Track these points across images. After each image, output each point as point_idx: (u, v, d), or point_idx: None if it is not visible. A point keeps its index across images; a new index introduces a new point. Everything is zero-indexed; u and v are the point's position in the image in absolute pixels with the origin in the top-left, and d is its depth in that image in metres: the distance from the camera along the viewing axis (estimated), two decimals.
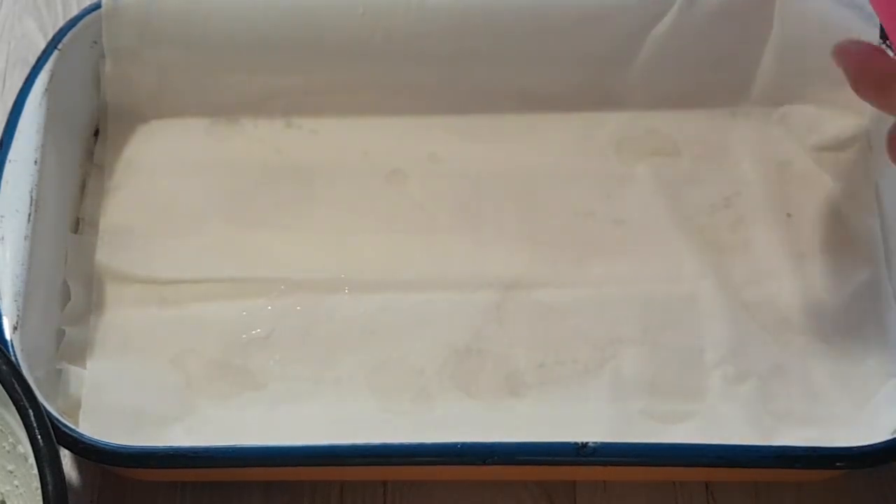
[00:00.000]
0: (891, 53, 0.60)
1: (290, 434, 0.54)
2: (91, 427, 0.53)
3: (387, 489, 0.57)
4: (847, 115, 0.63)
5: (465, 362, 0.58)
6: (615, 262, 0.61)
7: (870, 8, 0.61)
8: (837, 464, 0.52)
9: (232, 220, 0.62)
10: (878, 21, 0.61)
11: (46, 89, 0.59)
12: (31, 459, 0.46)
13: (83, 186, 0.62)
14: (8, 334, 0.53)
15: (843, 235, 0.61)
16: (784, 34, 0.62)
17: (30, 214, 0.56)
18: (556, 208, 0.62)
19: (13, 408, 0.47)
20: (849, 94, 0.63)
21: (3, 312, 0.53)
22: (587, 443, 0.51)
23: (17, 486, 0.50)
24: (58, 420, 0.51)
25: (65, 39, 0.61)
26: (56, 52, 0.60)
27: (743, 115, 0.64)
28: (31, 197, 0.56)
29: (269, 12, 0.62)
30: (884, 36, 0.61)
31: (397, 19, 0.62)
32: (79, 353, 0.57)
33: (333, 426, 0.55)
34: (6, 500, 0.51)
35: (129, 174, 0.63)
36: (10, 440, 0.49)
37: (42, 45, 0.61)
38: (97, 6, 0.61)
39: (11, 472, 0.50)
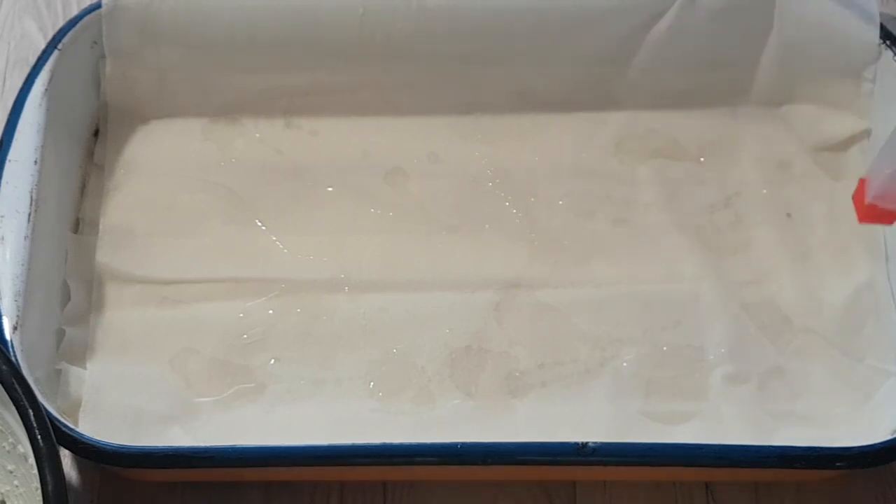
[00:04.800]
0: (890, 54, 0.61)
1: (290, 434, 0.54)
2: (91, 427, 0.53)
3: (387, 489, 0.57)
4: (847, 115, 0.63)
5: (465, 362, 0.58)
6: (615, 262, 0.61)
7: (870, 8, 0.61)
8: (837, 464, 0.52)
9: (232, 220, 0.62)
10: (878, 21, 0.61)
11: (46, 89, 0.59)
12: (31, 459, 0.46)
13: (83, 186, 0.62)
14: (8, 334, 0.53)
15: (843, 235, 0.61)
16: (784, 34, 0.62)
17: (30, 214, 0.56)
18: (556, 208, 0.62)
19: (13, 408, 0.47)
20: (849, 93, 0.63)
21: (3, 312, 0.53)
22: (587, 443, 0.51)
23: (17, 486, 0.50)
24: (58, 420, 0.51)
25: (65, 40, 0.61)
26: (56, 53, 0.60)
27: (743, 114, 0.64)
28: (32, 197, 0.56)
29: (269, 13, 0.62)
30: (884, 36, 0.61)
31: (397, 19, 0.62)
32: (79, 354, 0.57)
33: (333, 426, 0.55)
34: (6, 499, 0.51)
35: (129, 174, 0.63)
36: (10, 440, 0.49)
37: (42, 46, 0.61)
38: (97, 6, 0.61)
39: (11, 472, 0.50)
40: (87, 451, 0.52)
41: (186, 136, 0.64)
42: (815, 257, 0.60)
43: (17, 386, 0.47)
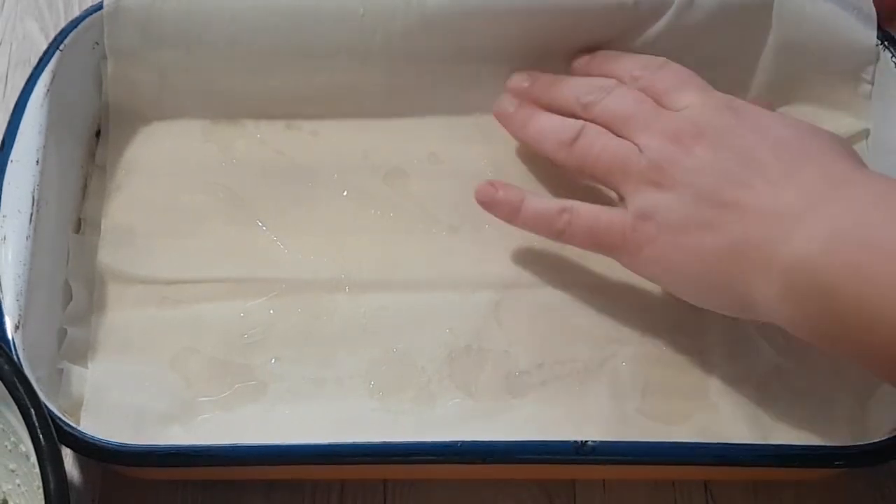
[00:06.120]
0: (888, 55, 0.61)
1: (290, 433, 0.54)
2: (92, 426, 0.54)
3: (387, 489, 0.57)
4: (846, 115, 0.63)
5: (465, 362, 0.58)
6: (615, 262, 0.60)
7: (867, 8, 0.61)
8: (836, 463, 0.52)
9: (233, 221, 0.62)
10: (875, 22, 0.61)
11: (48, 90, 0.59)
12: (33, 458, 0.46)
13: (85, 187, 0.62)
14: (10, 333, 0.53)
15: None
16: (782, 34, 0.62)
17: (31, 215, 0.56)
18: None
19: (15, 407, 0.47)
20: (847, 94, 0.63)
21: (5, 312, 0.53)
22: (586, 441, 0.51)
23: (18, 485, 0.50)
24: (59, 419, 0.52)
25: (66, 40, 0.61)
26: (58, 54, 0.60)
27: None
28: (33, 197, 0.56)
29: (270, 14, 0.62)
30: (882, 37, 0.61)
31: (397, 20, 0.62)
32: (80, 353, 0.57)
33: (334, 426, 0.56)
34: (8, 498, 0.51)
35: (130, 175, 0.63)
36: (12, 439, 0.49)
37: (44, 47, 0.62)
38: (99, 7, 0.61)
39: (13, 471, 0.50)
40: (88, 449, 0.52)
41: (187, 136, 0.64)
42: None
43: (18, 385, 0.47)
